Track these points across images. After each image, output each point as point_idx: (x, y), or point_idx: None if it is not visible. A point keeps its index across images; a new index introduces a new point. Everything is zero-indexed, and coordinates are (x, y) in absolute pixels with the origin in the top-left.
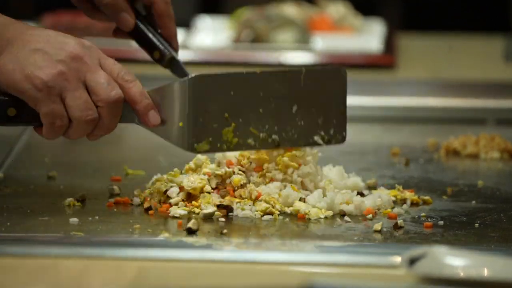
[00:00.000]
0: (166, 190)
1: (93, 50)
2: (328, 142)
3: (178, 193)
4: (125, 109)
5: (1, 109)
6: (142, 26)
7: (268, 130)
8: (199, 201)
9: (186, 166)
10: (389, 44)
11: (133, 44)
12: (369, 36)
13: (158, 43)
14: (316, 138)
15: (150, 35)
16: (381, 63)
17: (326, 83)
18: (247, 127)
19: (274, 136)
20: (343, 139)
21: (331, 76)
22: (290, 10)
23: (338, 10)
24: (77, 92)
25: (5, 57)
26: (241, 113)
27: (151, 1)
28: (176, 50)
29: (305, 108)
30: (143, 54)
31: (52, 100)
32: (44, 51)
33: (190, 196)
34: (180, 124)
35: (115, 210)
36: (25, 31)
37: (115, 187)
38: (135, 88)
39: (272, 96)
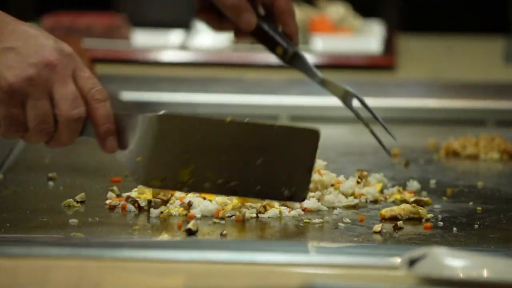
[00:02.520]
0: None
1: (70, 58)
2: (288, 198)
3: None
4: (88, 124)
5: None
6: (263, 24)
7: (228, 177)
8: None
9: None
10: (389, 45)
11: (132, 44)
12: (369, 37)
13: (280, 40)
14: (276, 192)
15: (271, 32)
16: (381, 64)
17: (296, 141)
18: (205, 171)
19: (232, 184)
20: (303, 198)
21: (304, 135)
22: None
23: (338, 11)
24: (39, 102)
25: None
26: (202, 157)
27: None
28: (298, 46)
29: (270, 162)
30: (142, 55)
31: (13, 104)
32: (18, 51)
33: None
34: (138, 159)
35: (115, 211)
36: (6, 26)
37: (115, 188)
38: (102, 110)
39: (238, 146)
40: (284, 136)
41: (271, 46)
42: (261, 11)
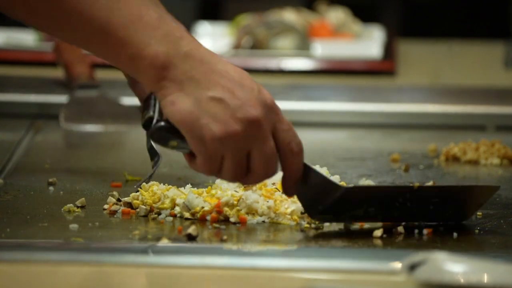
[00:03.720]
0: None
1: (272, 111)
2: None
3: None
4: None
5: (167, 139)
6: None
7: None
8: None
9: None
10: (389, 50)
11: None
12: (369, 42)
13: None
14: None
15: None
16: (381, 69)
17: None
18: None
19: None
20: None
21: (483, 192)
22: (290, 17)
23: (337, 17)
24: (238, 158)
25: (186, 96)
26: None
27: None
28: None
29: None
30: None
31: (213, 157)
32: (226, 103)
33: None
34: (320, 207)
35: (115, 216)
36: (212, 70)
37: (115, 193)
38: (297, 164)
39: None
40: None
41: None
42: None
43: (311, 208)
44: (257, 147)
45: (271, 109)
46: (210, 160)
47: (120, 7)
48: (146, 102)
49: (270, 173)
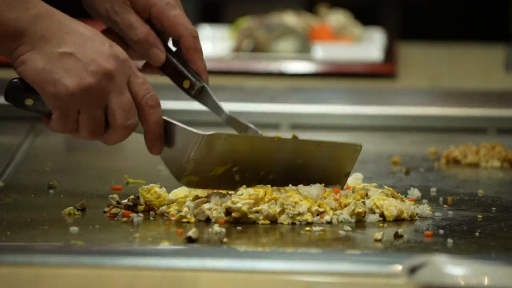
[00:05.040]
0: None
1: (125, 65)
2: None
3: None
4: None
5: (21, 96)
6: (171, 59)
7: (266, 180)
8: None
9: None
10: (389, 53)
11: None
12: (369, 45)
13: (187, 73)
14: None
15: (180, 66)
16: (382, 72)
17: (337, 155)
18: (244, 171)
19: (270, 177)
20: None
21: (346, 149)
22: (290, 19)
23: (338, 19)
24: (95, 111)
25: (37, 54)
26: (245, 166)
27: (178, 36)
28: (206, 83)
29: (309, 169)
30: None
31: (69, 112)
32: (77, 57)
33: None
34: (187, 165)
35: (115, 219)
36: (61, 28)
37: (115, 196)
38: (154, 116)
39: (281, 158)
40: (328, 151)
41: (179, 79)
42: (171, 46)
43: (177, 171)
44: (112, 99)
45: (124, 63)
46: (65, 116)
47: None
48: None
49: (130, 126)
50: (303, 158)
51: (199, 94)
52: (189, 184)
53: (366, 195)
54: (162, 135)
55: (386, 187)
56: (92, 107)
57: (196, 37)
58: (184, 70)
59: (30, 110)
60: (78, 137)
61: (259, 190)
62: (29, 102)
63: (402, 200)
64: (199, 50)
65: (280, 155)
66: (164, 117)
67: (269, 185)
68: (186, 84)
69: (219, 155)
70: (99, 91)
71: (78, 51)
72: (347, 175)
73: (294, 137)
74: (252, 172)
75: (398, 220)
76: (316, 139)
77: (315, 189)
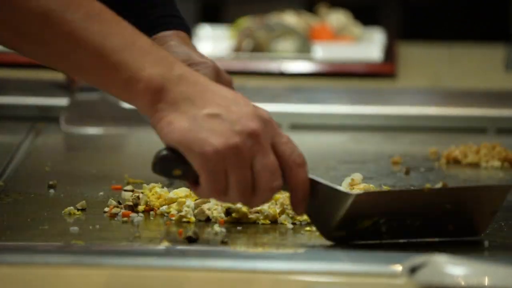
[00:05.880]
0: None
1: (269, 125)
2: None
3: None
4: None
5: (169, 169)
6: None
7: (413, 226)
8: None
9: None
10: (390, 53)
11: None
12: (370, 45)
13: None
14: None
15: None
16: (382, 71)
17: (485, 198)
18: (392, 224)
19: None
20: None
21: (494, 192)
22: (291, 19)
23: (338, 19)
24: (243, 171)
25: (181, 114)
26: (392, 216)
27: None
28: None
29: (457, 213)
30: None
31: (217, 173)
32: (223, 118)
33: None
34: (333, 222)
35: (115, 219)
36: (206, 90)
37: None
38: (302, 175)
39: (428, 210)
40: (476, 194)
41: None
42: None
43: (324, 227)
44: (258, 160)
45: (268, 123)
46: (214, 177)
47: (113, 32)
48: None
49: (275, 188)
50: (450, 203)
51: None
52: (336, 239)
53: None
54: (307, 194)
55: (384, 187)
56: (239, 168)
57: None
58: None
59: (176, 179)
60: (226, 201)
61: None
62: (177, 173)
63: None
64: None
65: (428, 204)
66: (310, 175)
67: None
68: None
69: (367, 211)
70: (246, 151)
71: (224, 112)
72: (494, 213)
73: (444, 185)
74: (399, 221)
75: None
76: (465, 185)
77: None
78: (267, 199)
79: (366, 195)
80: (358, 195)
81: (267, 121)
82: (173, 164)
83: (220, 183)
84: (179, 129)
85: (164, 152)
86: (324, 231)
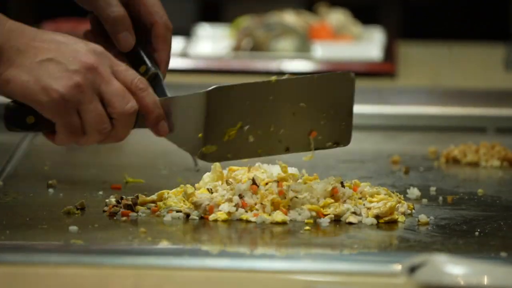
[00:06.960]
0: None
1: (104, 57)
2: (335, 144)
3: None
4: (137, 116)
5: (21, 117)
6: (136, 44)
7: (278, 135)
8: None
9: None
10: (389, 52)
11: None
12: (369, 44)
13: (146, 59)
14: (321, 140)
15: (141, 52)
16: (381, 71)
17: (334, 88)
18: (253, 127)
19: (283, 141)
20: (348, 142)
21: (340, 80)
22: (290, 19)
23: (338, 18)
24: (92, 104)
25: (17, 68)
26: (252, 117)
27: (152, 23)
28: (163, 75)
29: (315, 112)
30: None
31: (69, 112)
32: (57, 60)
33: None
34: (200, 135)
35: (114, 218)
36: (34, 38)
37: (115, 195)
38: (148, 98)
39: (283, 103)
40: (324, 83)
41: (136, 64)
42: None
43: (192, 146)
44: (104, 89)
45: (103, 54)
46: (67, 120)
47: None
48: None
49: (130, 110)
50: (303, 100)
51: (153, 81)
52: (209, 158)
53: (360, 199)
54: (163, 114)
55: (381, 187)
56: (89, 102)
57: (169, 30)
58: (144, 55)
59: (34, 130)
60: (87, 142)
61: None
62: (30, 120)
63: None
64: (168, 42)
65: (282, 102)
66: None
67: (285, 151)
68: (142, 69)
69: (226, 113)
70: (89, 86)
71: (56, 55)
72: (351, 111)
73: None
74: (263, 129)
75: (396, 221)
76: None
77: (320, 185)
78: (129, 126)
79: (218, 89)
80: (210, 90)
81: (100, 53)
82: (24, 112)
83: (75, 125)
84: (20, 83)
85: (11, 104)
86: (194, 150)
